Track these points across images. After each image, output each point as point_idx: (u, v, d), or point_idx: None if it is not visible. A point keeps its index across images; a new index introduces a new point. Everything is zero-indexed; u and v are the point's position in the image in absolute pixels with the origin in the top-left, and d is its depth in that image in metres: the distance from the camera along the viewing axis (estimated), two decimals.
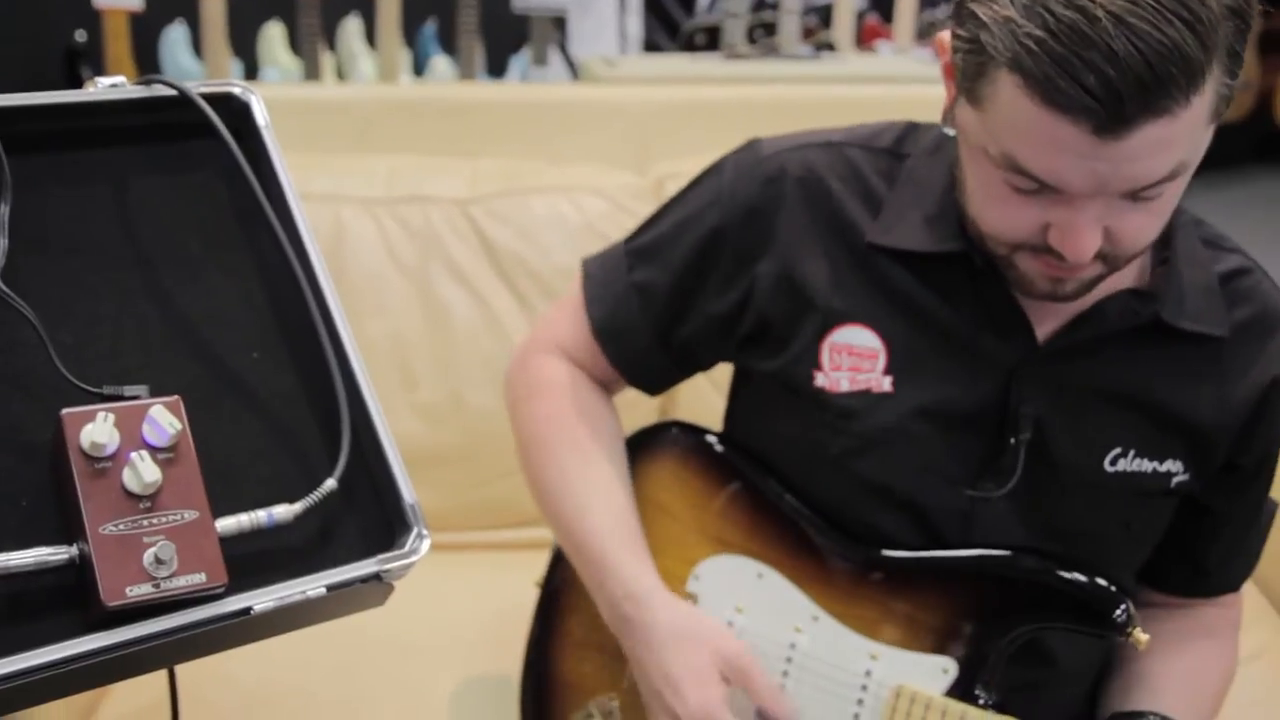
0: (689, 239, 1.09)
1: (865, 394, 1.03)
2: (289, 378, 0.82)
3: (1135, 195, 0.86)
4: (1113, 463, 1.03)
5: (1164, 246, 1.02)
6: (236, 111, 0.87)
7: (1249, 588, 1.58)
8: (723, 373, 1.20)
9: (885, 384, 1.03)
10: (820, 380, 1.04)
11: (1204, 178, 1.09)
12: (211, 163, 0.85)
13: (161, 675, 0.91)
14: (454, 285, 1.69)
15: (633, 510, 1.10)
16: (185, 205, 0.85)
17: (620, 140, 1.89)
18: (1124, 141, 0.81)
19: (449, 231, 1.71)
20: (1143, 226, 0.89)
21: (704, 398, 1.50)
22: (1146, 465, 1.03)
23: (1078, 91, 0.79)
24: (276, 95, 1.98)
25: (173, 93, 0.83)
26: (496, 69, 3.88)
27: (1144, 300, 1.00)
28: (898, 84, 2.50)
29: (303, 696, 1.29)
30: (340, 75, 3.67)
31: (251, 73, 3.65)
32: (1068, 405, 1.02)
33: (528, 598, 1.23)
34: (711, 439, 1.15)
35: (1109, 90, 0.78)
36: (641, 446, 1.15)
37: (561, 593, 1.20)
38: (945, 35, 0.93)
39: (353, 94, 2.01)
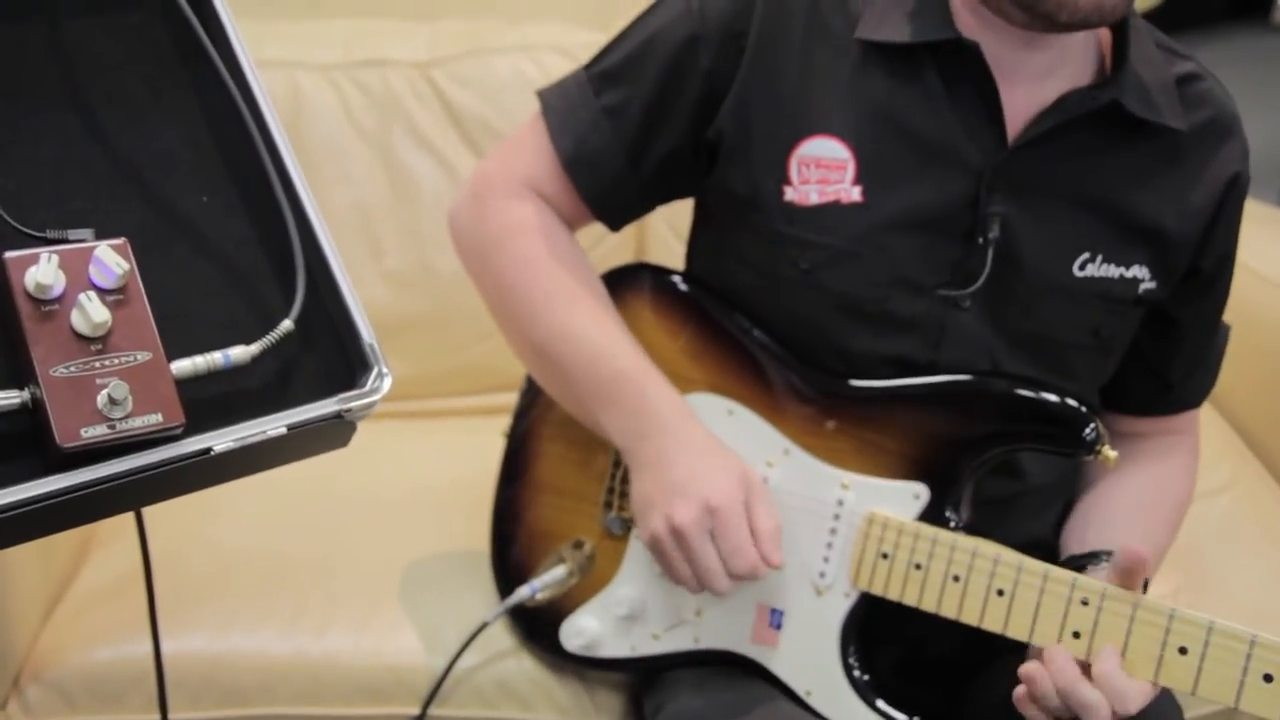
0: (660, 54, 1.06)
1: (834, 205, 1.02)
2: (240, 221, 0.81)
3: None
4: (1081, 267, 1.04)
5: (1120, 47, 1.02)
6: None
7: (1217, 421, 1.61)
8: (688, 223, 1.18)
9: (854, 193, 1.02)
10: (789, 194, 1.03)
11: (1182, 37, 1.10)
12: (150, 5, 0.83)
13: (137, 545, 0.91)
14: (417, 150, 1.66)
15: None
16: (124, 47, 0.82)
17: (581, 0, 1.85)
18: None
19: (410, 95, 1.67)
20: None
21: (674, 253, 1.49)
22: (1114, 271, 1.04)
23: None
24: None
25: None
26: None
27: (1103, 89, 1.01)
28: None
29: (278, 557, 1.29)
30: None
31: None
32: (1036, 207, 1.02)
33: (499, 458, 1.23)
34: (677, 279, 1.14)
35: None
36: (610, 289, 1.13)
37: (527, 441, 1.20)
38: None
39: None
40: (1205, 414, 1.59)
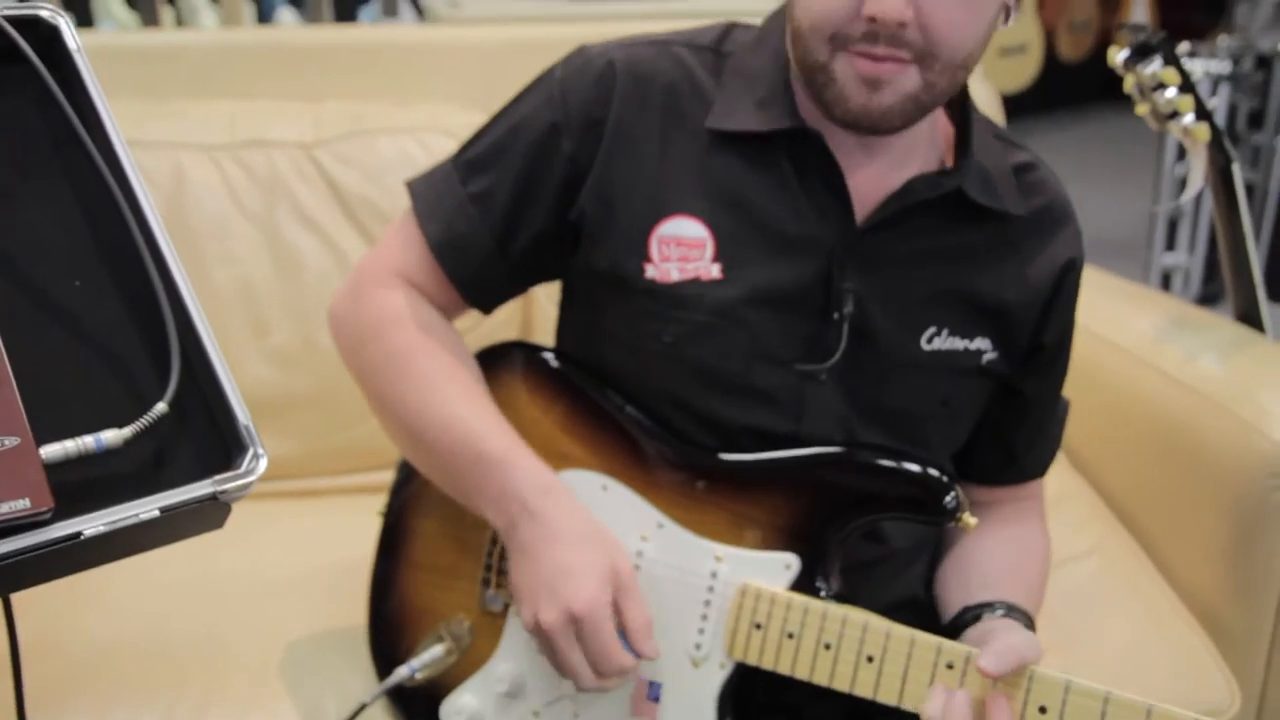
0: (524, 142, 1.09)
1: (695, 281, 1.06)
2: (114, 304, 0.81)
3: None
4: (929, 340, 1.09)
5: (963, 137, 1.09)
6: (45, 36, 0.85)
7: (1083, 488, 1.67)
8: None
9: (714, 270, 1.06)
10: (650, 272, 1.07)
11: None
12: (22, 89, 0.83)
13: (3, 631, 0.90)
14: (302, 230, 1.67)
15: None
16: None
17: (467, 80, 1.88)
18: None
19: (295, 175, 1.68)
20: (948, 19, 0.94)
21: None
22: (959, 343, 1.09)
23: None
24: (111, 42, 1.92)
25: None
26: (346, 18, 3.79)
27: (948, 176, 1.07)
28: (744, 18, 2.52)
29: (156, 641, 1.27)
30: (180, 28, 3.55)
31: (85, 27, 3.50)
32: (886, 284, 1.07)
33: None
34: (548, 355, 1.16)
35: None
36: (484, 367, 1.15)
37: (403, 518, 1.21)
38: None
39: (192, 39, 1.96)
40: (1072, 483, 1.66)
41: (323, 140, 1.70)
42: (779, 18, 1.09)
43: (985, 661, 0.95)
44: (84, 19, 3.51)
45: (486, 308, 1.17)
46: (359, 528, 1.35)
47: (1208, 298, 3.54)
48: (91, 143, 0.82)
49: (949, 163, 1.10)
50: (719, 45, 1.11)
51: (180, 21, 3.58)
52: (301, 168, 1.68)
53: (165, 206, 1.62)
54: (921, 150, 1.08)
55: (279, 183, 1.67)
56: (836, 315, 1.06)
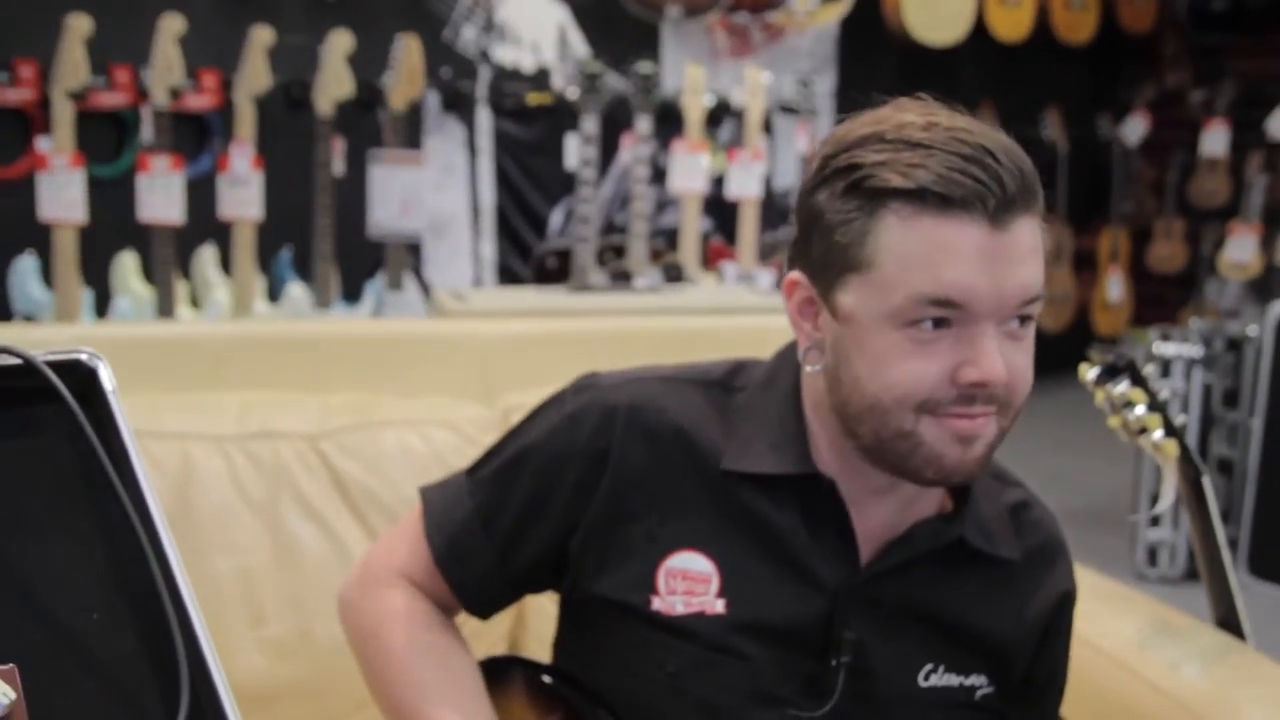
0: (530, 468, 1.14)
1: (699, 616, 1.08)
2: (128, 637, 0.84)
3: (1021, 314, 0.98)
4: (925, 678, 1.10)
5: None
6: (83, 376, 0.91)
7: None
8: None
9: (718, 606, 1.08)
10: (656, 604, 1.09)
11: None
12: (56, 426, 0.88)
13: None
14: (304, 520, 1.71)
15: None
16: (28, 469, 0.87)
17: (469, 373, 1.95)
18: (1010, 234, 0.95)
19: (299, 466, 1.73)
20: (1023, 368, 1.00)
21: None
22: (954, 680, 1.11)
23: (970, 183, 0.93)
24: (127, 334, 2.02)
25: (17, 361, 0.87)
26: (352, 294, 3.95)
27: (948, 523, 1.11)
28: (739, 315, 2.64)
29: None
30: (195, 303, 3.69)
31: (104, 301, 3.65)
32: (885, 626, 1.09)
33: None
34: (546, 677, 1.18)
35: (995, 179, 0.94)
36: (484, 676, 1.17)
37: None
38: (795, 274, 1.05)
39: (204, 331, 2.06)
40: None
41: (328, 431, 1.76)
42: (789, 357, 1.13)
43: None
44: (103, 294, 3.65)
45: (484, 614, 1.21)
46: None
47: (1194, 573, 3.57)
48: (119, 481, 0.87)
49: (947, 500, 1.13)
50: (729, 380, 1.15)
51: (195, 295, 3.72)
52: (306, 458, 1.74)
53: (172, 495, 1.66)
54: (928, 492, 1.11)
55: (283, 472, 1.72)
56: (835, 662, 1.08)
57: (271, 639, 1.65)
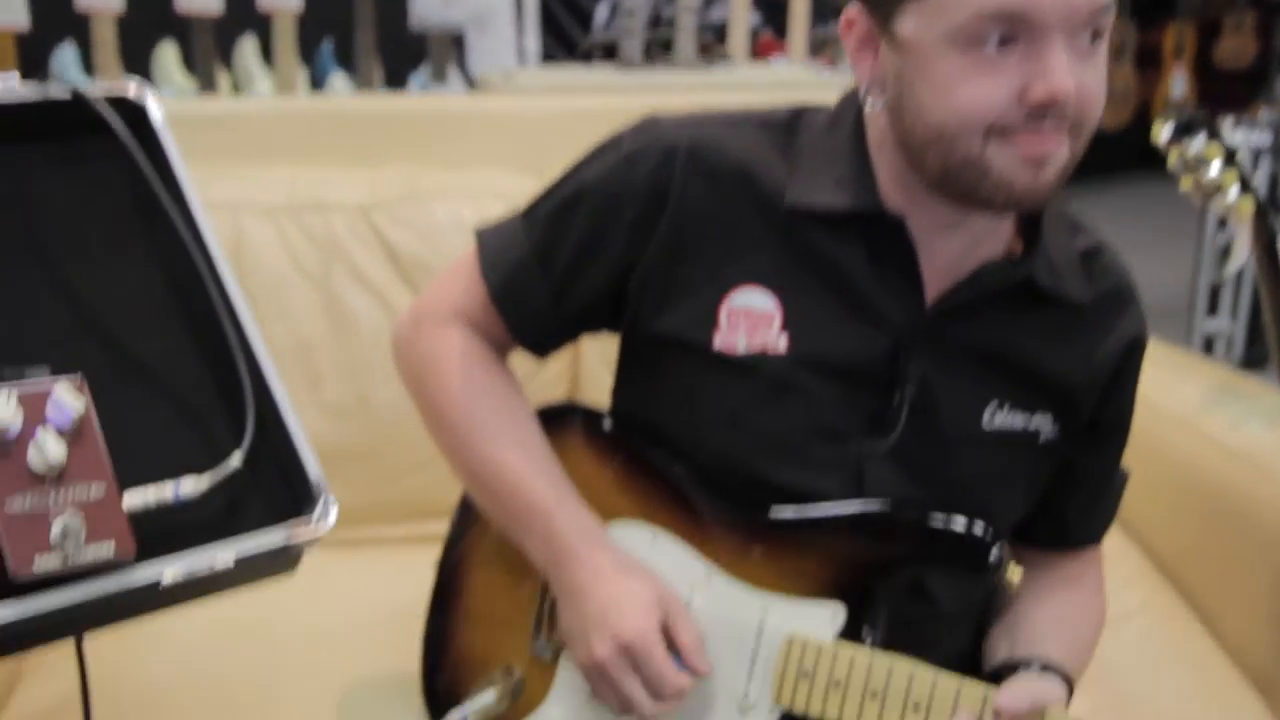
0: (587, 207, 1.12)
1: (761, 353, 1.08)
2: (192, 361, 0.85)
3: (1092, 26, 0.94)
4: (990, 416, 1.10)
5: (1033, 223, 1.10)
6: (133, 111, 0.90)
7: (1130, 549, 1.68)
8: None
9: (781, 343, 1.08)
10: (718, 342, 1.09)
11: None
12: (109, 159, 0.88)
13: (73, 668, 0.93)
14: (357, 289, 1.71)
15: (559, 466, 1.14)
16: (84, 200, 0.87)
17: (518, 149, 1.93)
18: None
19: (351, 237, 1.73)
20: (1094, 88, 0.96)
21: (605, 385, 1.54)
22: (1018, 421, 1.10)
23: None
24: (173, 110, 1.99)
25: (66, 96, 0.86)
26: (396, 86, 3.89)
27: (1018, 265, 1.08)
28: (789, 89, 2.57)
29: (214, 686, 1.30)
30: (237, 94, 3.65)
31: None
32: (949, 364, 1.09)
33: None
34: (605, 421, 1.19)
35: None
36: (542, 425, 1.19)
37: (457, 569, 1.24)
38: (852, 9, 1.01)
39: (251, 107, 2.03)
40: (1119, 542, 1.67)
41: (379, 203, 1.75)
42: (851, 101, 1.10)
43: (1000, 697, 0.98)
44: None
45: (541, 353, 1.21)
46: (410, 577, 1.38)
47: (1251, 362, 3.53)
48: (174, 209, 0.87)
49: (1016, 243, 1.11)
50: (793, 122, 1.13)
51: (236, 87, 3.68)
52: (358, 229, 1.73)
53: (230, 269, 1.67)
54: (993, 232, 1.08)
55: (336, 243, 1.72)
56: (898, 395, 1.08)
57: (329, 402, 1.68)
